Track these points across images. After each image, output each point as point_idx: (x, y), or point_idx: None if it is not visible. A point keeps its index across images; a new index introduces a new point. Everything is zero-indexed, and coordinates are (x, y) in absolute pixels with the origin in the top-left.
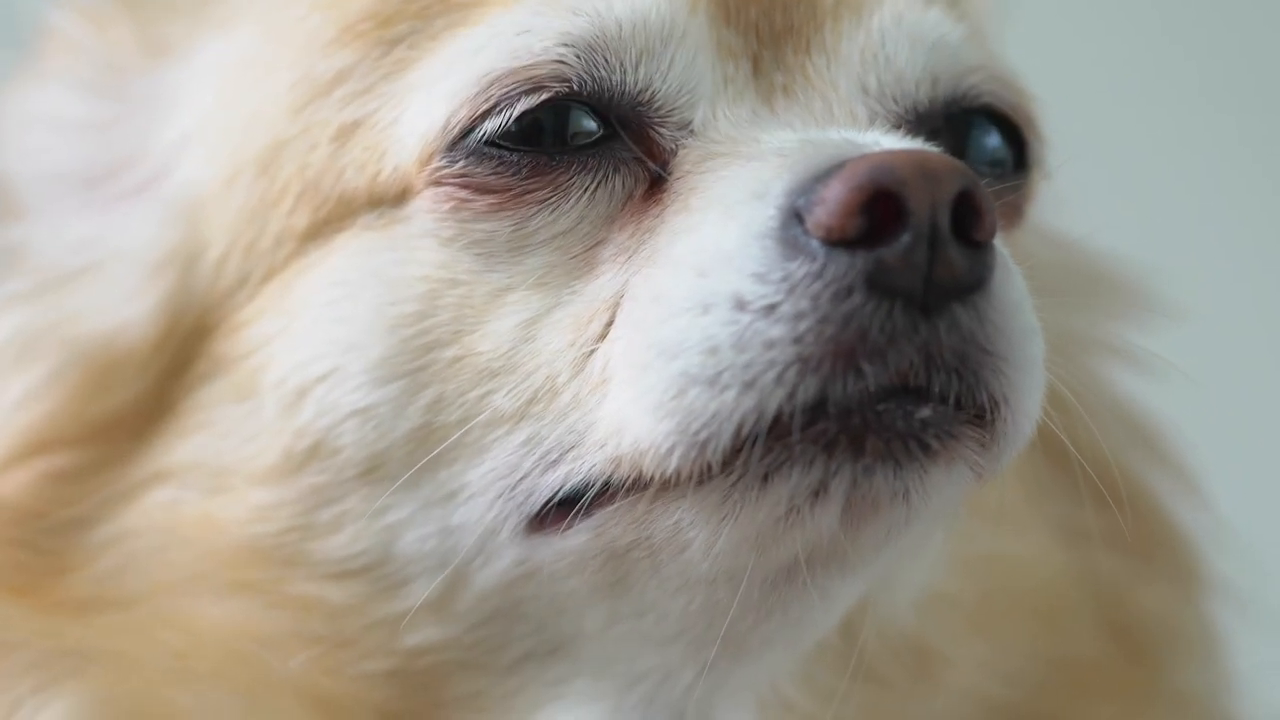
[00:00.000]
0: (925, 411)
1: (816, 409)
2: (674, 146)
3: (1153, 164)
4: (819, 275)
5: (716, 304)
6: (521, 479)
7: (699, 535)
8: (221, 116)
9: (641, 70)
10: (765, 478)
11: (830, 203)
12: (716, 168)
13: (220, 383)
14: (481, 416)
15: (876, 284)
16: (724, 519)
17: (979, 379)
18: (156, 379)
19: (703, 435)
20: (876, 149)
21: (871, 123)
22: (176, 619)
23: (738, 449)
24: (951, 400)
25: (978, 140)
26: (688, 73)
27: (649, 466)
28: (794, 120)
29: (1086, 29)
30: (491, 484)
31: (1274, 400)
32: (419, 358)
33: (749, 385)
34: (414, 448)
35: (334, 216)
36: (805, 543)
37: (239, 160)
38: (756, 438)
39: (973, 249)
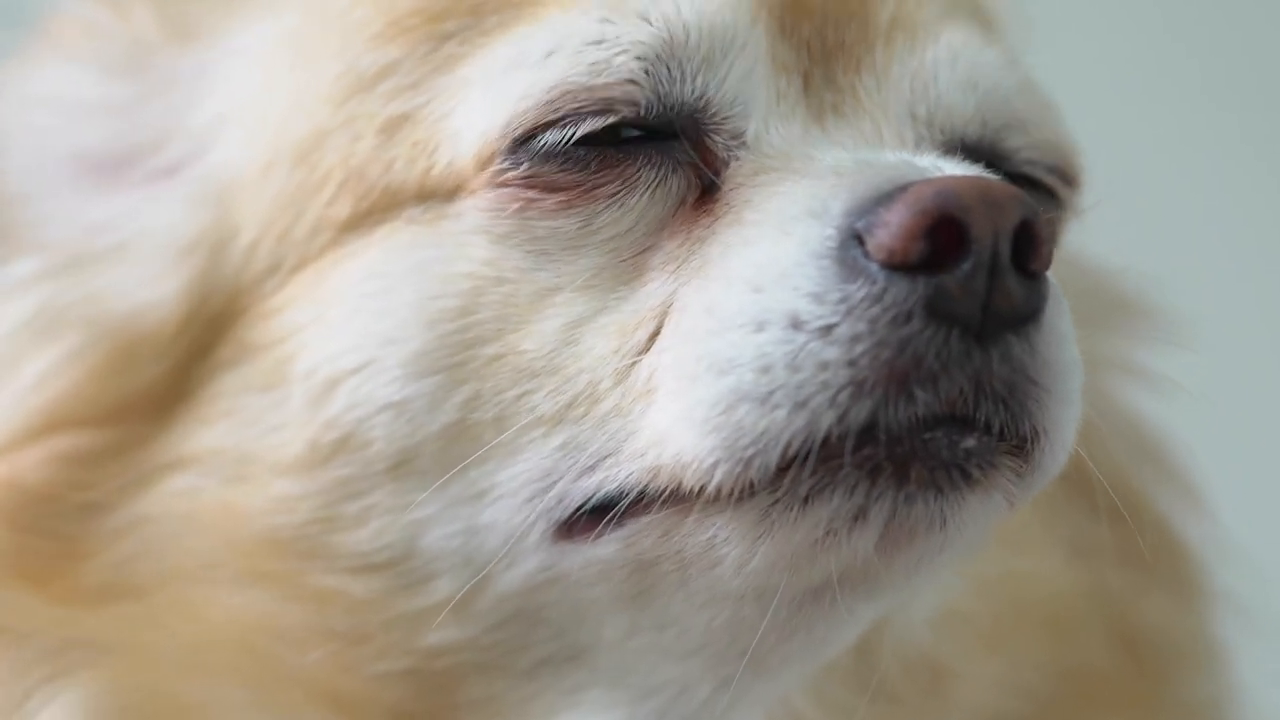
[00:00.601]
0: (970, 441)
1: (866, 433)
2: (727, 156)
3: (1162, 179)
4: (878, 299)
5: (772, 321)
6: (555, 483)
7: (733, 552)
8: (259, 102)
9: (700, 78)
10: (806, 499)
11: (893, 226)
12: (771, 182)
13: (246, 370)
14: (519, 416)
15: (936, 310)
16: (760, 537)
17: (1024, 409)
18: (178, 362)
19: (749, 452)
20: (938, 173)
21: (918, 147)
22: (191, 609)
23: (783, 468)
24: (996, 430)
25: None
26: (743, 84)
27: (690, 480)
28: (845, 140)
29: (1102, 38)
30: (523, 486)
31: (1275, 412)
32: (458, 354)
33: (801, 405)
34: (446, 444)
35: (377, 208)
36: (839, 565)
37: (277, 147)
38: (805, 457)
39: (1029, 279)
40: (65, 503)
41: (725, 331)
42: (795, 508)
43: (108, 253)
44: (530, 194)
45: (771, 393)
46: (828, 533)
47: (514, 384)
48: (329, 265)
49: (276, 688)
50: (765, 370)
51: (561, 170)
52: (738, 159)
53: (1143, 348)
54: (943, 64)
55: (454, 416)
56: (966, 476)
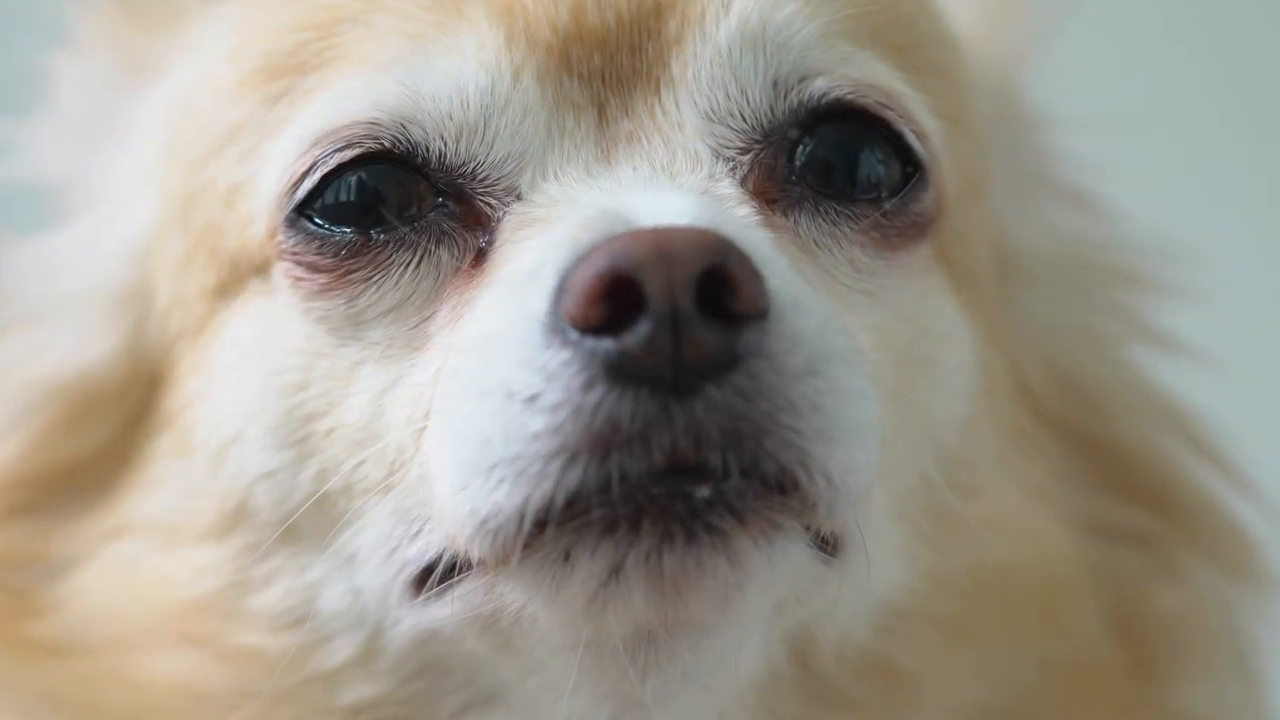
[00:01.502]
0: (704, 491)
1: (590, 496)
2: (501, 214)
3: (1183, 148)
4: (569, 364)
5: (491, 391)
6: (395, 548)
7: (535, 609)
8: (162, 157)
9: (463, 144)
10: (567, 557)
11: (575, 291)
12: (529, 235)
13: (166, 437)
14: (359, 484)
15: (620, 372)
16: (546, 597)
17: (762, 451)
18: (123, 425)
19: (490, 525)
20: (633, 227)
21: (716, 158)
22: (129, 675)
23: (541, 528)
24: (735, 475)
25: (858, 163)
26: (514, 141)
27: (461, 546)
28: (626, 173)
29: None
30: (375, 551)
31: None
32: (302, 427)
33: (519, 476)
34: (314, 511)
35: (232, 278)
36: (628, 617)
37: (169, 207)
38: (546, 522)
39: (730, 324)
40: (20, 561)
41: (458, 404)
42: (560, 566)
43: (44, 307)
44: (299, 271)
45: (494, 466)
46: (598, 588)
47: (349, 454)
48: (211, 333)
49: None
50: (485, 444)
51: (318, 253)
52: (510, 213)
53: (1164, 315)
54: (733, 36)
55: (311, 488)
56: (710, 527)
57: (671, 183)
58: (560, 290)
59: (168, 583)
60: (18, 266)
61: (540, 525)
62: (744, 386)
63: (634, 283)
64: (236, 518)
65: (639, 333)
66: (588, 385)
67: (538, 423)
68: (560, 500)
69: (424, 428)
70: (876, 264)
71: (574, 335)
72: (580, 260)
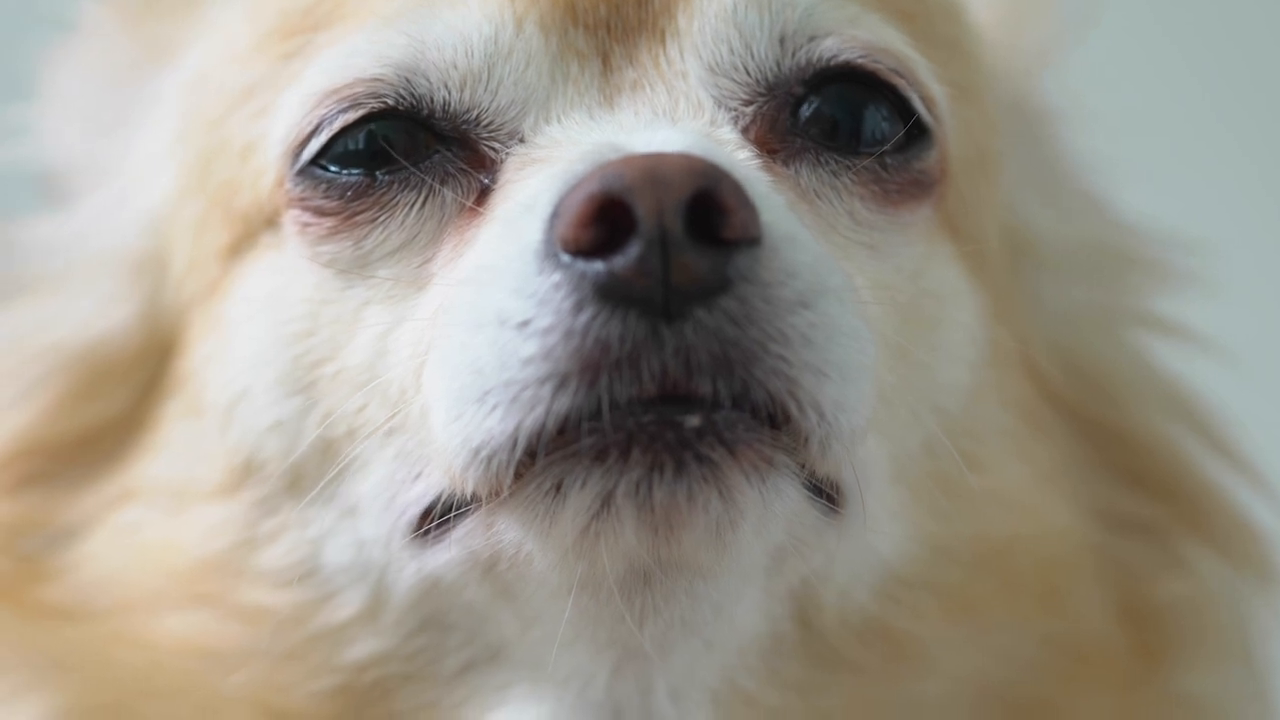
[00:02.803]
0: (694, 420)
1: (591, 418)
2: (503, 156)
3: (1193, 139)
4: (559, 287)
5: (485, 322)
6: (396, 492)
7: (530, 547)
8: (179, 129)
9: (467, 92)
10: (558, 488)
11: (566, 214)
12: (530, 174)
13: (177, 401)
14: (363, 428)
15: (609, 294)
16: (539, 533)
17: (752, 378)
18: (137, 393)
19: (484, 454)
20: (623, 154)
21: (719, 106)
22: (139, 636)
23: (533, 458)
24: (726, 402)
25: (863, 120)
26: (517, 88)
27: (456, 481)
28: (628, 118)
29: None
30: (377, 497)
31: None
32: (308, 373)
33: (512, 402)
34: (320, 460)
35: (244, 235)
36: (620, 553)
37: (187, 173)
38: (537, 450)
39: (720, 249)
40: (31, 527)
41: (454, 335)
42: (551, 499)
43: (62, 276)
44: (306, 217)
45: (486, 393)
46: (590, 521)
47: (352, 396)
48: (221, 293)
49: (222, 707)
50: (479, 372)
51: (325, 197)
52: (511, 155)
53: (1175, 305)
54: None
55: (318, 434)
56: (700, 457)
57: (672, 125)
58: (553, 216)
59: (176, 545)
60: (28, 243)
61: (532, 455)
62: (733, 311)
63: (625, 205)
64: (245, 472)
65: (628, 254)
66: (577, 307)
67: (529, 347)
68: (551, 425)
69: (424, 363)
70: (877, 218)
71: (566, 259)
72: (573, 186)
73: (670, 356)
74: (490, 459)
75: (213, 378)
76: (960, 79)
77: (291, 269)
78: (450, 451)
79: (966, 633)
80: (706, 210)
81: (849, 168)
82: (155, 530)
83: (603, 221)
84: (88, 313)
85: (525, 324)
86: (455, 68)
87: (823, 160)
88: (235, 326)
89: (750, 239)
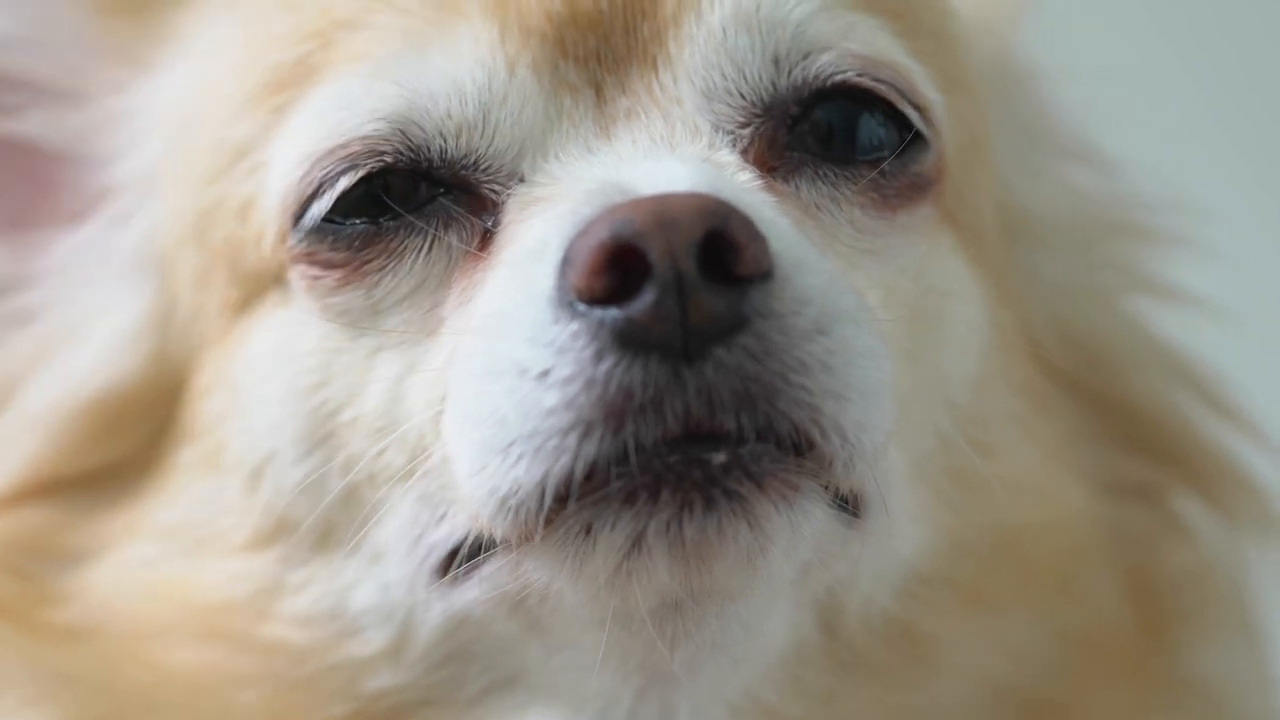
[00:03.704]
0: (720, 457)
1: (618, 463)
2: (503, 198)
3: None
4: (578, 336)
5: (502, 371)
6: (420, 534)
7: (562, 585)
8: (172, 163)
9: (463, 140)
10: (589, 530)
11: (578, 263)
12: (532, 215)
13: (191, 451)
14: (384, 472)
15: (629, 341)
16: (570, 573)
17: (775, 410)
18: (149, 434)
19: (511, 503)
20: (633, 197)
21: (716, 130)
22: (149, 660)
23: (562, 503)
24: (751, 437)
25: (857, 130)
26: (515, 130)
27: (487, 529)
28: (625, 147)
29: None
30: (401, 540)
31: None
32: (325, 424)
33: (537, 452)
34: (346, 508)
35: (252, 292)
36: (652, 588)
37: (185, 220)
38: (567, 496)
39: (735, 286)
40: (37, 551)
41: (470, 385)
42: (582, 540)
43: (66, 331)
44: (314, 271)
45: (510, 444)
46: (622, 560)
47: (371, 443)
48: (233, 347)
49: None
50: (501, 423)
51: (333, 249)
52: (513, 195)
53: (1170, 269)
54: (728, 19)
55: (341, 483)
56: (728, 492)
57: (671, 153)
58: (565, 264)
59: (195, 585)
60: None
61: (561, 500)
62: (752, 347)
63: (637, 251)
64: (274, 533)
65: (644, 300)
66: (598, 356)
67: (551, 398)
68: (579, 472)
69: (441, 411)
70: (878, 224)
71: (581, 307)
72: (582, 232)
73: (693, 397)
74: (519, 508)
75: (232, 438)
76: (949, 69)
77: (299, 323)
78: (477, 500)
79: (984, 629)
80: (719, 249)
81: (848, 177)
82: (170, 570)
83: (615, 268)
84: (95, 358)
85: (545, 374)
86: (450, 117)
87: (821, 172)
88: (249, 388)
89: (763, 274)
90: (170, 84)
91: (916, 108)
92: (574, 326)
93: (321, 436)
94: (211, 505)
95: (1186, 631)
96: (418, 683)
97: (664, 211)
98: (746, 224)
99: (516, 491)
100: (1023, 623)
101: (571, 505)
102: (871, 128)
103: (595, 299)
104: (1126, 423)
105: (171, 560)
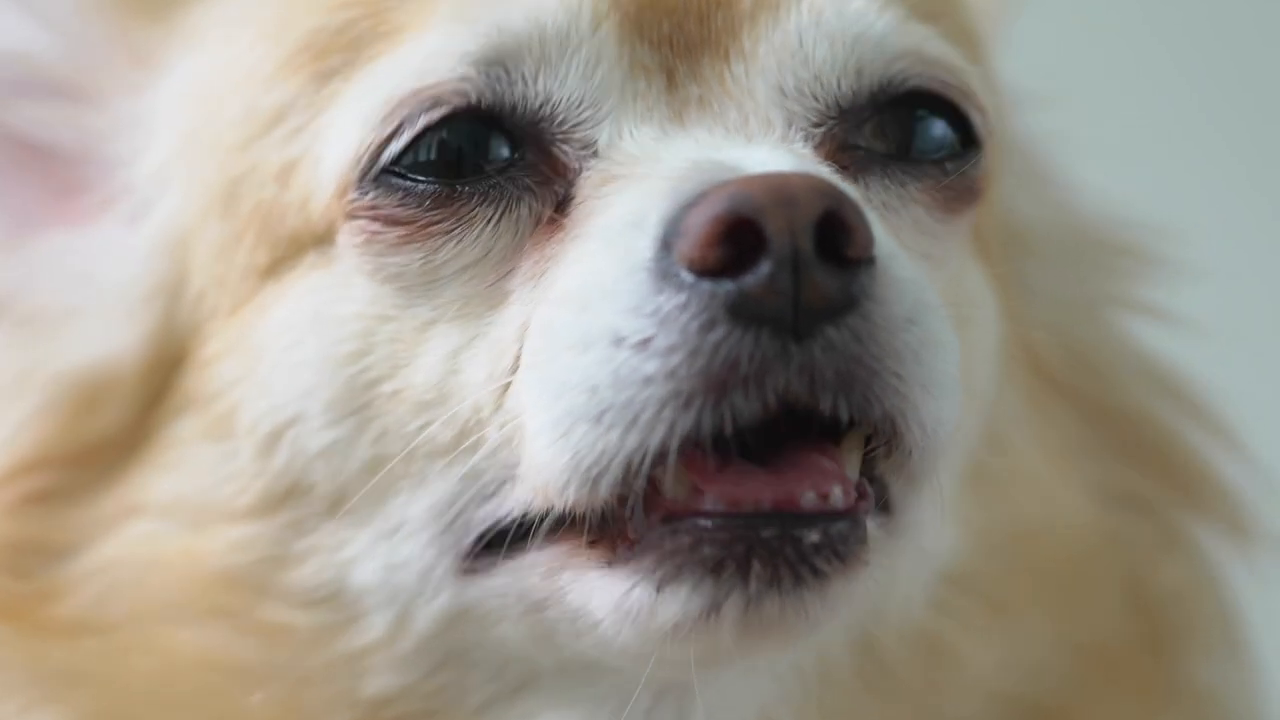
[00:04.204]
0: (813, 536)
1: (716, 437)
2: (579, 166)
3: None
4: (685, 307)
5: (595, 340)
6: (459, 513)
7: (605, 621)
8: (190, 146)
9: (540, 81)
10: (659, 589)
11: (691, 234)
12: (613, 192)
13: (194, 420)
14: (422, 447)
15: (741, 313)
16: (624, 617)
17: (871, 396)
18: (140, 408)
19: (594, 471)
20: (742, 174)
21: (789, 126)
22: (154, 645)
23: (623, 502)
24: (846, 419)
25: (923, 131)
26: (587, 84)
27: (552, 498)
28: (702, 134)
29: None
30: (430, 519)
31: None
32: (364, 394)
33: (632, 423)
34: (368, 480)
35: (286, 255)
36: (710, 647)
37: (208, 194)
38: (636, 506)
39: (845, 268)
40: (34, 546)
41: (558, 354)
42: (651, 596)
43: (72, 307)
44: (375, 227)
45: (603, 413)
46: (685, 621)
47: (414, 417)
48: (254, 314)
49: None
50: (594, 391)
51: (400, 205)
52: (588, 169)
53: (1149, 286)
54: (806, 27)
55: (370, 453)
56: (816, 571)
57: (749, 143)
58: (672, 235)
59: (196, 556)
60: (28, 266)
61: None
62: (858, 329)
63: (754, 225)
64: (284, 498)
65: (759, 274)
66: (708, 326)
67: (651, 366)
68: (675, 445)
69: (508, 384)
70: (937, 227)
71: (688, 278)
72: (694, 205)
73: (794, 374)
74: (599, 479)
75: (247, 404)
76: (990, 80)
77: (342, 285)
78: (553, 470)
79: (1003, 637)
80: (833, 230)
81: (914, 176)
82: (173, 542)
83: (730, 241)
84: (96, 339)
85: (645, 343)
86: (530, 52)
87: (889, 171)
88: (275, 352)
89: (869, 258)
90: (186, 73)
91: (978, 110)
92: (681, 297)
93: (355, 406)
94: (217, 472)
95: (1183, 644)
96: (418, 689)
97: (784, 189)
98: (857, 208)
99: (601, 459)
100: (1037, 630)
101: (649, 530)
102: (935, 130)
103: (707, 270)
104: (1119, 432)
105: (172, 534)
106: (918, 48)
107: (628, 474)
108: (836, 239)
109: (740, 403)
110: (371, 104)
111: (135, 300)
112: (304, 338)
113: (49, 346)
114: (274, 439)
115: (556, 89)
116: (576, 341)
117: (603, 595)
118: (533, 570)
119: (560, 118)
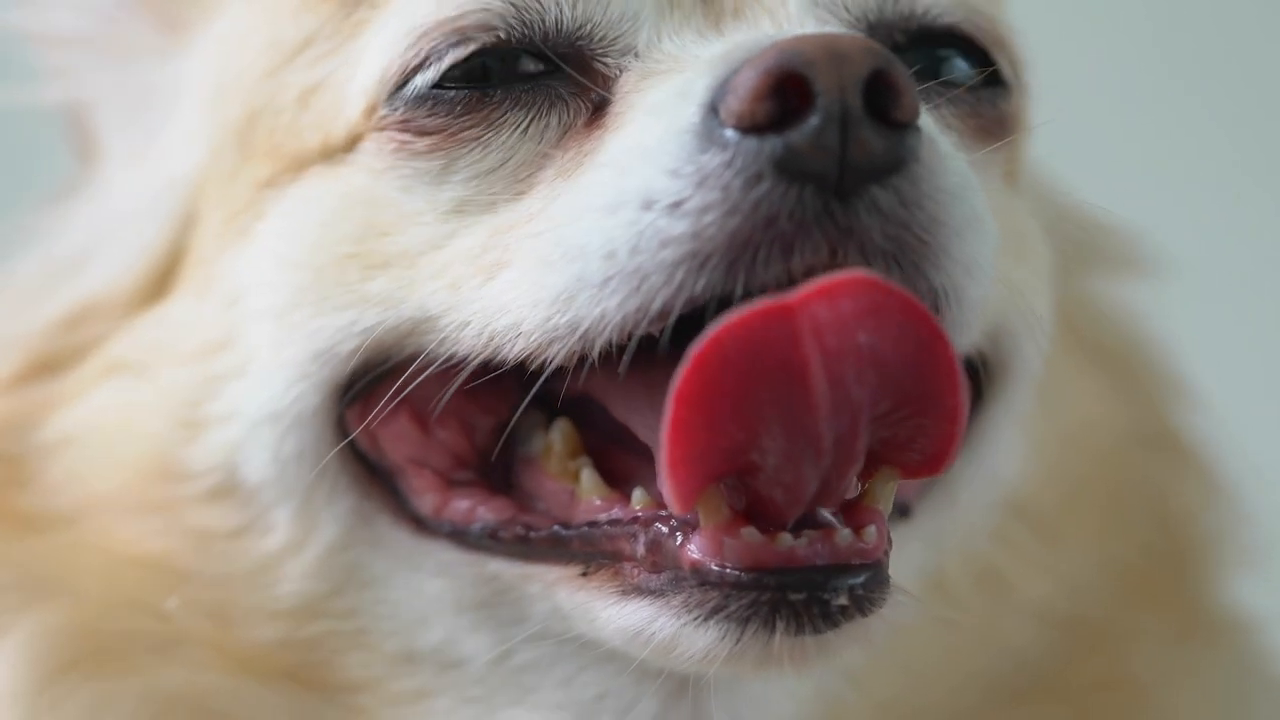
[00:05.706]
0: (841, 599)
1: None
2: (617, 72)
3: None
4: (729, 164)
5: (625, 203)
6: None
7: (613, 641)
8: (215, 97)
9: (580, 6)
10: (683, 626)
11: (740, 90)
12: (655, 84)
13: (183, 296)
14: (401, 326)
15: (786, 168)
16: (638, 642)
17: (919, 268)
18: (136, 305)
19: (591, 334)
20: (794, 33)
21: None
22: (100, 543)
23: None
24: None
25: (948, 67)
26: (628, 2)
27: (521, 347)
28: (739, 39)
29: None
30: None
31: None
32: (362, 277)
33: (636, 288)
34: (356, 360)
35: (288, 168)
36: (728, 671)
37: (226, 131)
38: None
39: (893, 129)
40: (19, 426)
41: (582, 216)
42: (674, 629)
43: (90, 248)
44: (404, 137)
45: (610, 278)
46: (709, 657)
47: (406, 294)
48: (255, 214)
49: (182, 639)
50: (609, 256)
51: (430, 115)
52: (628, 70)
53: (1127, 284)
54: None
55: (358, 342)
56: (838, 625)
57: None
58: (719, 97)
59: (128, 427)
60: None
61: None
62: (905, 193)
63: (803, 80)
64: (225, 343)
65: (806, 129)
66: (752, 182)
67: (679, 226)
68: (679, 307)
69: (500, 261)
70: (970, 152)
71: (733, 137)
72: (745, 62)
73: (838, 233)
74: (595, 339)
75: (245, 282)
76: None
77: (346, 179)
78: (546, 330)
79: (1054, 565)
80: (882, 89)
81: (949, 100)
82: (130, 396)
83: (778, 96)
84: (107, 269)
85: (676, 205)
86: None
87: (924, 91)
88: (278, 238)
89: (916, 124)
90: (212, 34)
91: (1010, 60)
92: (725, 155)
93: (354, 298)
94: (177, 325)
95: (1201, 560)
96: (327, 607)
97: (834, 45)
98: (905, 72)
99: (600, 321)
100: (1083, 554)
101: (681, 578)
102: (969, 66)
103: (754, 125)
104: (1132, 377)
105: (132, 388)
106: None
107: (622, 333)
108: (885, 99)
109: (760, 268)
110: (396, 31)
111: (149, 235)
112: (305, 228)
113: (69, 285)
114: (235, 299)
115: (599, 11)
116: (606, 204)
117: (615, 623)
118: (509, 523)
119: (600, 35)
